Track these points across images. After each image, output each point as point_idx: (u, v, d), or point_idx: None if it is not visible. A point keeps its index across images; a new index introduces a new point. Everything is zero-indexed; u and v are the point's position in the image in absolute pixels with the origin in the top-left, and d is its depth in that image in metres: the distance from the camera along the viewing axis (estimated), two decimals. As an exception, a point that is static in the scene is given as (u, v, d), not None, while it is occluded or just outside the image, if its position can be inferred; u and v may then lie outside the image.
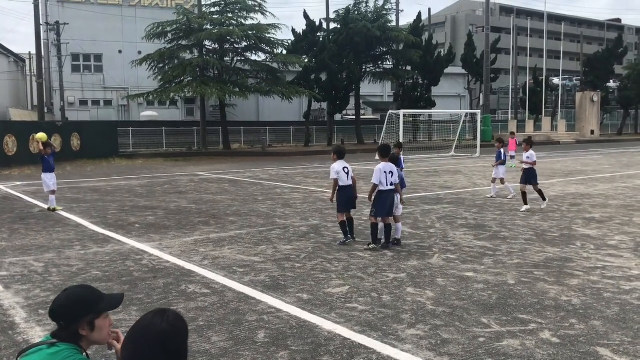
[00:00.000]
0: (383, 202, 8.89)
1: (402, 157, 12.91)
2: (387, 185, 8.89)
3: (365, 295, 6.63)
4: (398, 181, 9.17)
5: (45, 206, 13.71)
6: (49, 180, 13.41)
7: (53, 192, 13.47)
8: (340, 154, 9.55)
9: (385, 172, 8.86)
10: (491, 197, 14.95)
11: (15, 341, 5.37)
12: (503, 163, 15.42)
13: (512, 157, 24.91)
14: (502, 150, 15.63)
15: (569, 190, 16.47)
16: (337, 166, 9.38)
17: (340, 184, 9.37)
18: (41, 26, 40.72)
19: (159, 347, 2.11)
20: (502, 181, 15.20)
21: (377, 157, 9.77)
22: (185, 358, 2.20)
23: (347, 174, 9.39)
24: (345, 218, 9.50)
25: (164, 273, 7.75)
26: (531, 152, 13.00)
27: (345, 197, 9.40)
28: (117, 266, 8.15)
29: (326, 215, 12.29)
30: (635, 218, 11.66)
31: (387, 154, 9.23)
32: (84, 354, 2.61)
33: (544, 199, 12.99)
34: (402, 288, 6.91)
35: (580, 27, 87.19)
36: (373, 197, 9.03)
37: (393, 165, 9.08)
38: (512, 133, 28.20)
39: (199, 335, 5.45)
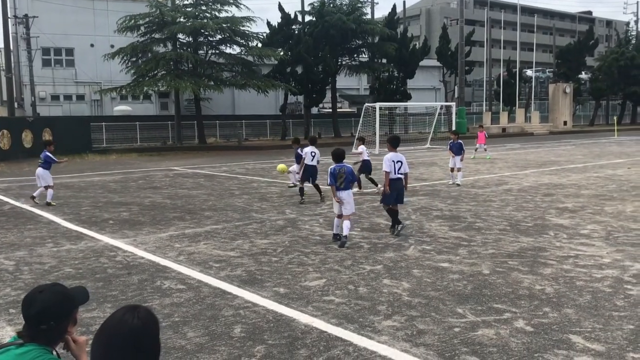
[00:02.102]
0: (390, 190, 9.36)
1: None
2: (395, 173, 9.41)
3: (342, 288, 6.63)
4: (407, 170, 9.70)
5: (16, 203, 13.45)
6: (49, 176, 13.83)
7: (50, 187, 13.73)
8: (312, 141, 13.75)
9: (394, 161, 9.41)
10: (453, 184, 15.93)
11: (-15, 341, 5.25)
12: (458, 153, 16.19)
13: (485, 150, 25.33)
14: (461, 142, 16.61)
15: (542, 180, 16.71)
16: (307, 149, 13.16)
17: (307, 162, 13.06)
18: (9, 19, 39.80)
19: (131, 344, 2.08)
20: (458, 169, 16.25)
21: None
22: (158, 354, 2.17)
23: (314, 156, 13.11)
24: (303, 185, 13.25)
25: (139, 269, 7.65)
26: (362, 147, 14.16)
27: (309, 172, 13.14)
28: (91, 263, 8.03)
29: (302, 209, 12.28)
30: (606, 207, 11.88)
31: (397, 144, 9.84)
32: (54, 353, 2.56)
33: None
34: (378, 280, 6.93)
35: (552, 19, 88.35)
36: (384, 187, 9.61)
37: (402, 156, 9.60)
38: (481, 126, 28.62)
39: (174, 331, 5.39)
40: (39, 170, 13.71)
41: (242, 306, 6.08)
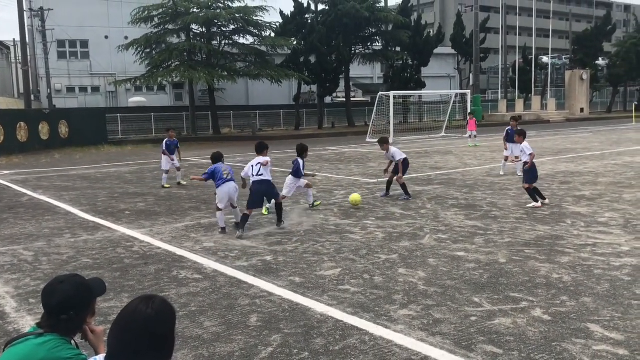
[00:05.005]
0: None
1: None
2: (254, 175, 9.39)
3: (357, 277, 6.63)
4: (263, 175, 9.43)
5: (34, 194, 13.61)
6: (164, 161, 15.25)
7: (169, 171, 15.14)
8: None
9: (252, 165, 9.55)
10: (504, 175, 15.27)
11: (6, 331, 5.33)
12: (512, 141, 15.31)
13: (475, 137, 25.65)
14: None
15: (559, 168, 16.53)
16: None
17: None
18: (25, 12, 40.09)
19: (145, 333, 2.09)
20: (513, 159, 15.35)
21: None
22: (172, 344, 2.18)
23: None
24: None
25: (155, 259, 7.71)
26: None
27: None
28: (108, 253, 8.11)
29: (317, 199, 12.26)
30: (624, 195, 11.72)
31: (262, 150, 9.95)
32: (73, 342, 2.59)
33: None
34: (393, 269, 6.92)
35: (569, 4, 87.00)
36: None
37: (264, 159, 9.57)
38: (471, 114, 28.14)
39: (191, 320, 5.43)
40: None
41: (258, 295, 6.10)
